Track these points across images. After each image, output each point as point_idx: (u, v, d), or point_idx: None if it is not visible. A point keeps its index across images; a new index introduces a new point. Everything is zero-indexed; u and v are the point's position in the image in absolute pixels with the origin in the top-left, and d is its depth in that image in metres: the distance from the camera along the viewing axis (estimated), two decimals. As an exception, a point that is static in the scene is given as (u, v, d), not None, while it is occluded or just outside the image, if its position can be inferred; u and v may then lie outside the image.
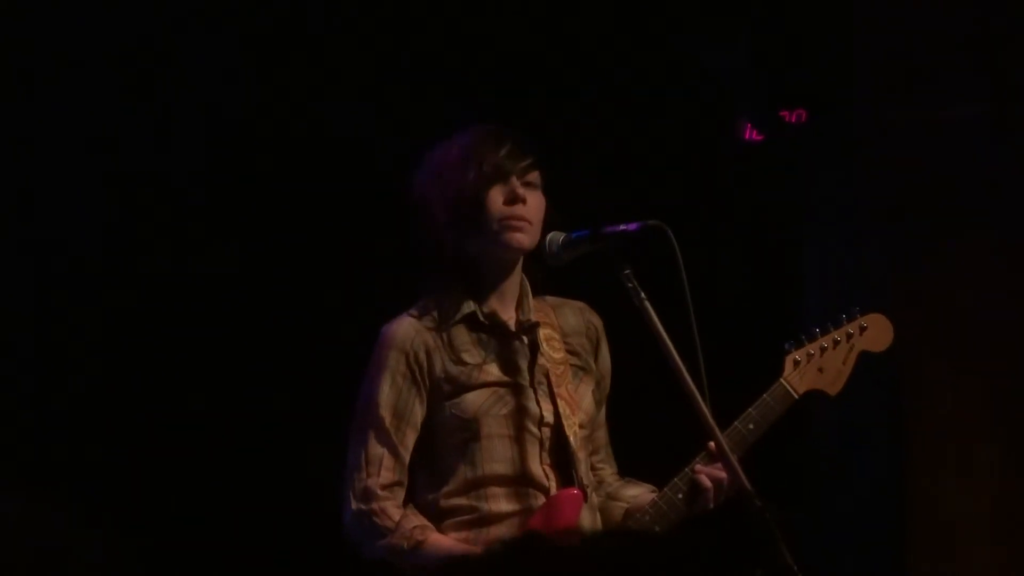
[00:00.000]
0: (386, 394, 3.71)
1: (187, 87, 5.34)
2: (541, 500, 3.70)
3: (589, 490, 3.76)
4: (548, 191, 3.81)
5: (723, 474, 3.65)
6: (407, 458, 3.72)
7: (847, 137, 5.71)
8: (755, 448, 3.74)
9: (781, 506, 3.60)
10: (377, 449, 3.70)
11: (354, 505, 3.68)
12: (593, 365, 3.87)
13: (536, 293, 3.85)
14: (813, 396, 3.84)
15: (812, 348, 3.84)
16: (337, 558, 3.86)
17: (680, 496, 3.68)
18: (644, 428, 4.39)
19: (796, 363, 3.82)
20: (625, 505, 3.83)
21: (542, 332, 3.80)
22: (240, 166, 5.38)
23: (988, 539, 5.57)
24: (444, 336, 3.74)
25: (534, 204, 3.74)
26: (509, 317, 3.80)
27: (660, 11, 5.61)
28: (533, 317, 3.80)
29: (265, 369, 5.32)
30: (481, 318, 3.76)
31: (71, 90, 5.23)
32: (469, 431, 3.70)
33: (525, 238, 3.73)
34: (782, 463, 4.91)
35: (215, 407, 5.28)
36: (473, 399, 3.71)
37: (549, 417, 3.74)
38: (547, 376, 3.76)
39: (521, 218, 3.71)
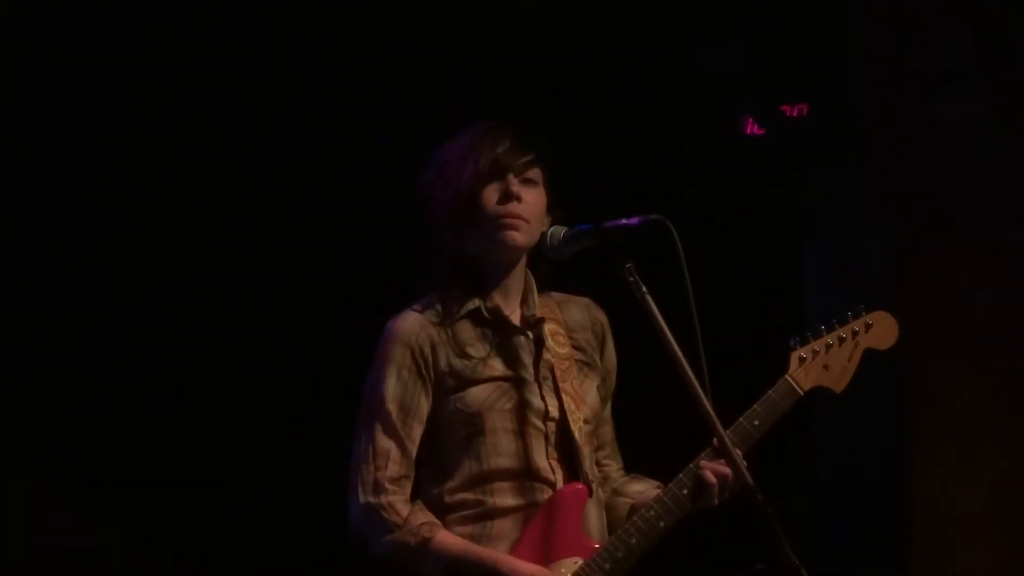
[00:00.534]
0: (392, 388, 3.71)
1: (188, 83, 5.34)
2: (546, 494, 3.70)
3: (594, 485, 3.76)
4: (550, 187, 3.81)
5: (727, 470, 3.65)
6: (414, 452, 3.72)
7: (849, 132, 5.71)
8: (759, 444, 3.74)
9: (784, 501, 3.60)
10: (385, 442, 3.70)
11: (362, 498, 3.68)
12: (598, 361, 3.87)
13: (542, 289, 3.84)
14: (818, 393, 3.85)
15: (817, 345, 3.84)
16: (343, 551, 3.85)
17: (685, 492, 3.68)
18: (649, 424, 4.39)
19: (801, 360, 3.82)
20: (630, 500, 3.84)
21: (547, 327, 3.81)
22: (246, 162, 5.38)
23: (989, 533, 5.59)
24: (449, 331, 3.75)
25: (531, 201, 3.74)
26: (514, 313, 3.80)
27: (662, 7, 5.62)
28: (538, 313, 3.81)
29: (271, 364, 5.32)
30: (485, 313, 3.77)
31: (72, 88, 5.23)
32: (474, 425, 3.70)
33: (519, 236, 3.73)
34: (785, 459, 4.91)
35: (221, 401, 5.28)
36: (477, 393, 3.71)
37: (554, 412, 3.74)
38: (552, 371, 3.77)
39: (515, 215, 3.71)
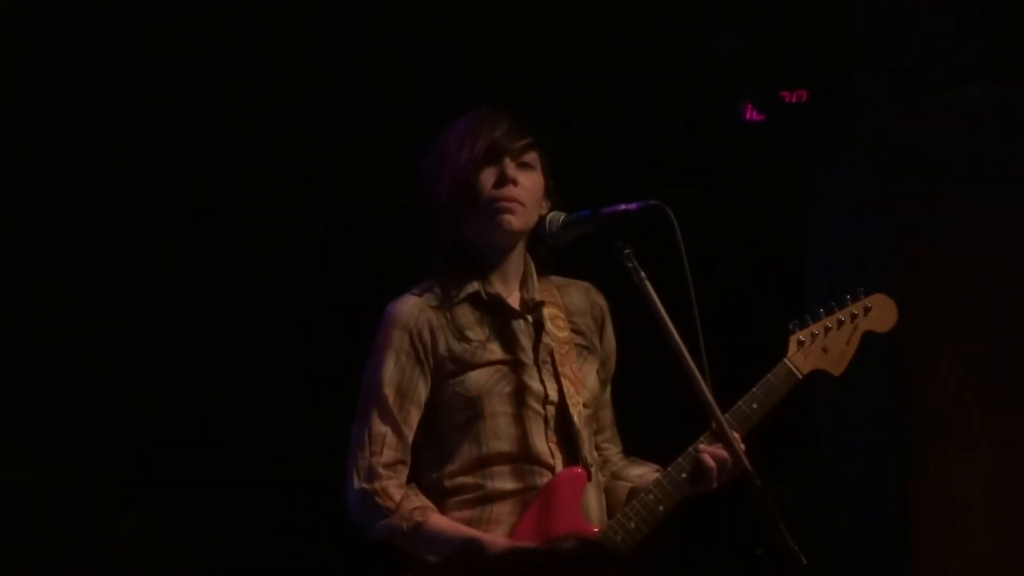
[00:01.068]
0: (390, 372, 3.71)
1: (189, 75, 5.34)
2: (546, 478, 3.70)
3: (593, 469, 3.76)
4: (548, 171, 3.81)
5: (726, 454, 3.65)
6: (411, 436, 3.72)
7: (848, 117, 5.70)
8: (758, 428, 3.75)
9: (783, 486, 3.60)
10: (380, 427, 3.70)
11: (357, 484, 3.68)
12: (598, 345, 3.87)
13: (541, 273, 3.84)
14: (817, 376, 3.85)
15: (816, 328, 3.84)
16: (345, 537, 3.85)
17: (684, 476, 3.69)
18: (648, 408, 4.39)
19: (800, 343, 3.82)
20: (630, 484, 3.84)
21: (547, 311, 3.81)
22: (247, 148, 5.38)
23: (989, 516, 5.59)
24: (448, 315, 3.75)
25: (528, 185, 3.74)
26: (513, 296, 3.80)
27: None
28: (538, 296, 3.81)
29: (270, 349, 5.32)
30: (484, 297, 3.76)
31: (73, 88, 5.23)
32: (473, 409, 3.70)
33: (515, 219, 3.73)
34: (784, 443, 4.91)
35: (219, 387, 5.28)
36: (477, 377, 3.71)
37: (553, 396, 3.75)
38: (551, 355, 3.77)
39: (511, 199, 3.71)
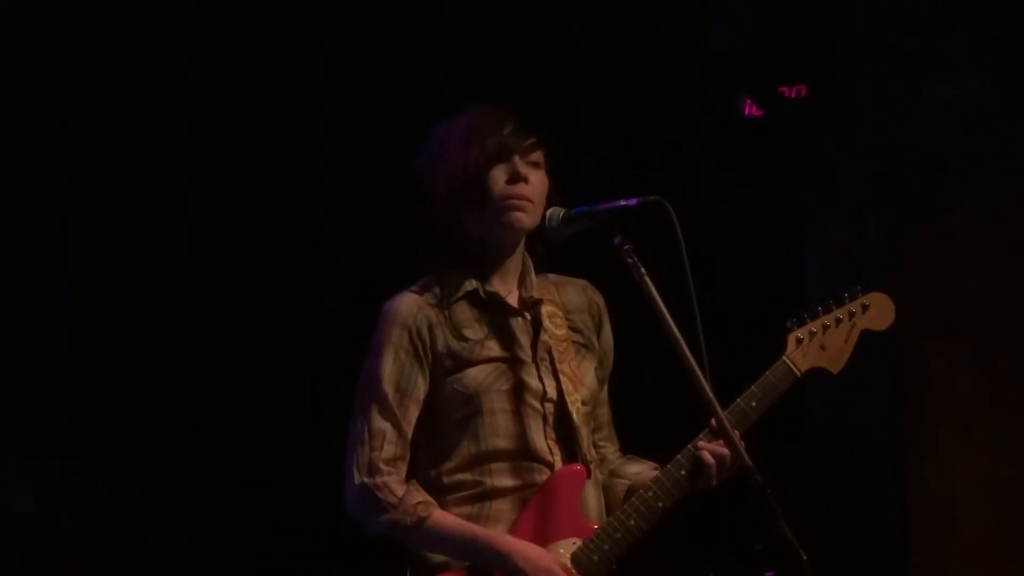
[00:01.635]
0: (389, 369, 3.71)
1: (185, 79, 5.34)
2: (545, 475, 3.70)
3: (592, 466, 3.77)
4: (550, 170, 3.81)
5: (725, 451, 3.66)
6: (410, 433, 3.72)
7: (847, 113, 5.71)
8: (757, 425, 3.75)
9: (782, 483, 3.60)
10: (380, 423, 3.70)
11: (357, 479, 3.68)
12: (595, 342, 3.88)
13: (539, 271, 3.85)
14: (815, 373, 3.85)
15: (814, 326, 3.85)
16: (341, 533, 3.86)
17: (683, 473, 3.69)
18: (647, 405, 4.39)
19: (799, 341, 3.83)
20: (628, 482, 3.85)
21: (545, 309, 3.81)
22: (243, 146, 5.38)
23: (987, 514, 5.59)
24: (446, 312, 3.75)
25: (536, 183, 3.75)
26: (511, 294, 3.81)
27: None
28: (536, 294, 3.81)
29: (269, 347, 5.33)
30: (483, 295, 3.77)
31: (73, 92, 5.23)
32: (471, 406, 3.71)
33: (526, 217, 3.74)
34: (783, 440, 4.92)
35: (218, 385, 5.29)
36: (475, 374, 3.72)
37: (552, 393, 3.75)
38: (550, 352, 3.77)
39: (523, 197, 3.72)
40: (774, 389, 3.77)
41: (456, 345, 3.73)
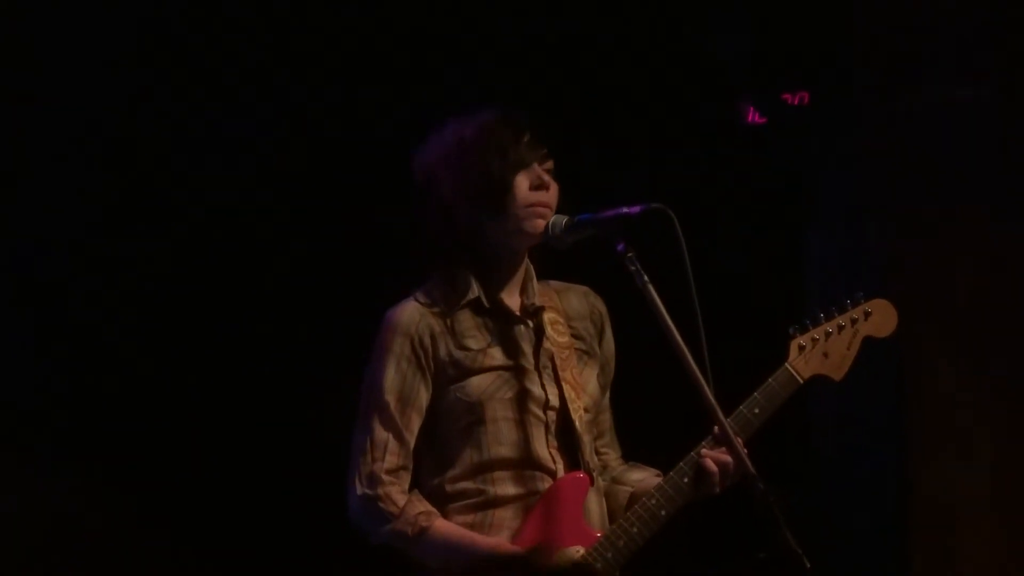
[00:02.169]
0: (391, 378, 3.71)
1: (185, 78, 5.35)
2: (547, 483, 3.70)
3: (595, 474, 3.76)
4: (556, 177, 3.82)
5: (728, 458, 3.66)
6: (412, 442, 3.72)
7: (849, 120, 5.71)
8: (759, 432, 3.75)
9: (785, 489, 3.61)
10: (382, 433, 3.70)
11: (359, 490, 3.68)
12: (597, 349, 3.88)
13: (540, 278, 3.85)
14: (817, 380, 3.85)
15: (817, 333, 3.85)
16: (345, 542, 3.86)
17: (686, 480, 3.69)
18: (649, 412, 4.39)
19: (801, 348, 3.83)
20: (630, 489, 3.84)
21: (547, 316, 3.81)
22: (244, 151, 5.38)
23: (988, 520, 5.60)
24: (448, 321, 3.75)
25: (554, 191, 3.76)
26: (514, 301, 3.80)
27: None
28: (538, 301, 3.81)
29: (270, 355, 5.33)
30: (485, 302, 3.77)
31: (72, 88, 5.23)
32: (474, 415, 3.70)
33: (545, 224, 3.73)
34: (786, 447, 4.92)
35: (221, 394, 5.29)
36: (478, 383, 3.71)
37: (554, 400, 3.75)
38: (552, 360, 3.77)
39: (546, 204, 3.73)
40: (776, 396, 3.77)
41: (458, 354, 3.73)
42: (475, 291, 3.76)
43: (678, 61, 5.70)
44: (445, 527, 3.66)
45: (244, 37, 5.38)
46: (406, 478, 3.71)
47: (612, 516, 3.77)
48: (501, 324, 3.77)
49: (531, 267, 3.84)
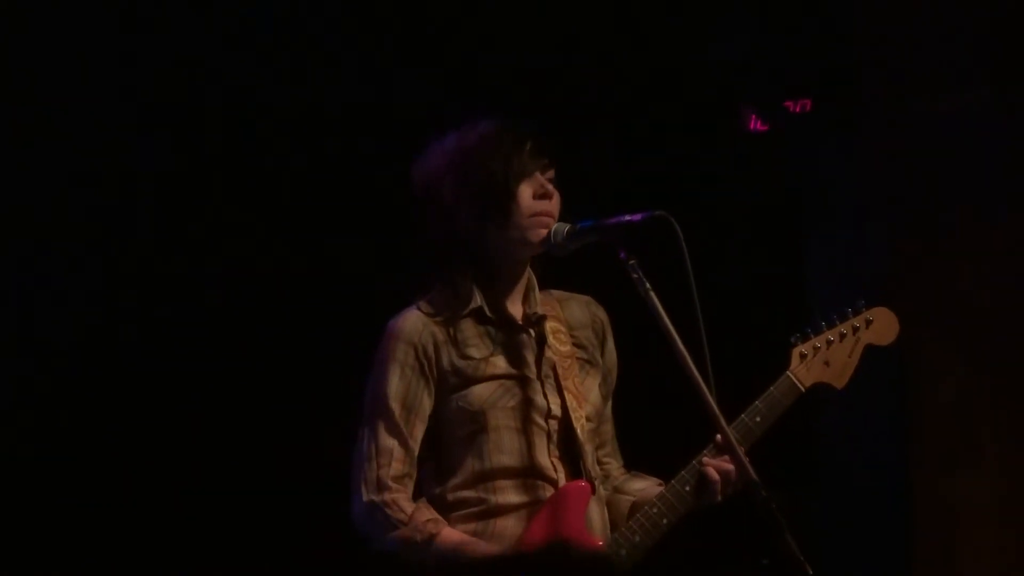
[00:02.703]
0: (395, 386, 3.72)
1: (185, 79, 5.35)
2: (549, 492, 3.71)
3: (597, 483, 3.77)
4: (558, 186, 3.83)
5: (730, 466, 3.66)
6: (416, 450, 3.73)
7: (851, 127, 5.71)
8: (762, 440, 3.75)
9: (788, 497, 3.61)
10: (387, 441, 3.70)
11: (366, 496, 3.68)
12: (599, 358, 3.88)
13: (542, 287, 3.85)
14: (819, 388, 3.85)
15: (818, 341, 3.85)
16: (348, 550, 3.86)
17: (688, 488, 3.69)
18: (650, 421, 4.39)
19: (802, 356, 3.83)
20: (632, 498, 3.84)
21: (549, 325, 3.81)
22: (246, 158, 5.39)
23: (993, 526, 5.59)
24: (451, 329, 3.75)
25: (557, 200, 3.77)
26: (516, 310, 3.81)
27: (665, 1, 5.62)
28: (540, 310, 3.81)
29: (273, 363, 5.33)
30: (488, 311, 3.77)
31: (71, 88, 5.24)
32: (476, 423, 3.71)
33: (548, 232, 3.74)
34: (789, 454, 4.92)
35: (222, 401, 5.29)
36: (480, 392, 3.72)
37: (556, 410, 3.75)
38: (554, 369, 3.77)
39: (548, 213, 3.74)
40: (778, 404, 3.78)
41: (461, 363, 3.73)
42: (477, 300, 3.77)
43: (680, 69, 5.70)
44: (452, 535, 3.66)
45: (244, 43, 5.39)
46: (411, 485, 3.72)
47: (614, 525, 3.77)
48: (503, 333, 3.78)
49: (533, 276, 3.84)
